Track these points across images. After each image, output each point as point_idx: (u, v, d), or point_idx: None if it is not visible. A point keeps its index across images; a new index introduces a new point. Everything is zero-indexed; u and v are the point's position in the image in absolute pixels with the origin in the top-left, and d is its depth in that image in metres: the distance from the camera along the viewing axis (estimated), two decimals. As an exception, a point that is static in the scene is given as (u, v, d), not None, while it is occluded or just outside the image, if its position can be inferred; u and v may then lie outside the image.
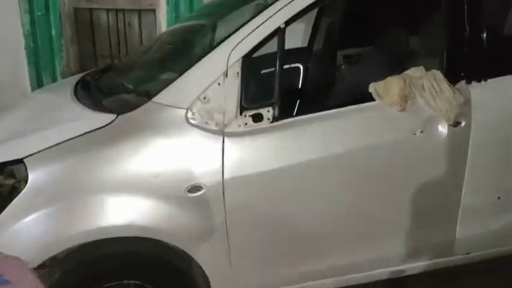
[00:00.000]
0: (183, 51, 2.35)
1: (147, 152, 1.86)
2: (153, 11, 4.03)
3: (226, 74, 1.92)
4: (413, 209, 2.15)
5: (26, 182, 1.83)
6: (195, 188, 1.89)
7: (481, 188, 2.22)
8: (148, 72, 2.28)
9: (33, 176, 1.79)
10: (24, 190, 1.79)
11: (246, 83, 1.93)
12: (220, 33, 2.31)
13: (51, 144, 1.84)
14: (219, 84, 1.91)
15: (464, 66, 2.17)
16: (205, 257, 1.97)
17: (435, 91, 2.10)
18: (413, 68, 2.14)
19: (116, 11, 4.00)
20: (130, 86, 2.09)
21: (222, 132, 1.91)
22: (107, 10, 4.00)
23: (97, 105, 2.04)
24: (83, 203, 1.81)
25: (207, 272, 1.99)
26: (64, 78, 3.60)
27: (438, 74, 2.13)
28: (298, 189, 1.99)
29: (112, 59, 3.96)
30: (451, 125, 2.11)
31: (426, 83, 2.11)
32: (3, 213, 1.79)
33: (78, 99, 2.19)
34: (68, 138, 1.85)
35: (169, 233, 1.90)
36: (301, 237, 2.05)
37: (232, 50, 1.92)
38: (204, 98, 1.90)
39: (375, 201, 2.08)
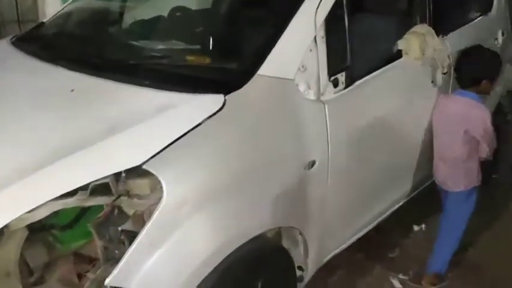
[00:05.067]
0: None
1: (274, 132, 1.67)
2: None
3: (315, 39, 1.81)
4: (426, 142, 2.50)
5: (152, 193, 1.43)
6: (310, 164, 1.79)
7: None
8: (192, 41, 1.91)
9: (168, 184, 1.39)
10: (162, 204, 1.38)
11: (328, 48, 1.87)
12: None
13: (169, 142, 1.44)
14: (311, 50, 1.81)
15: (440, 22, 2.55)
16: (310, 228, 1.90)
17: (436, 45, 2.44)
18: (418, 25, 2.41)
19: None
20: (205, 60, 1.75)
21: (322, 101, 1.83)
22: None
23: (177, 86, 1.64)
24: (228, 203, 1.52)
25: (308, 241, 1.93)
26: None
27: (432, 30, 2.46)
28: (377, 144, 2.12)
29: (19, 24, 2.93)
30: (444, 73, 2.50)
31: (428, 38, 2.42)
32: (138, 241, 1.36)
33: (121, 81, 1.71)
34: (187, 130, 1.48)
35: (294, 215, 1.78)
36: (376, 184, 2.21)
37: (316, 13, 1.82)
38: (302, 66, 1.77)
39: (411, 138, 2.39)
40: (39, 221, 1.45)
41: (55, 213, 1.46)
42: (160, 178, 1.39)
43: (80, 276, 1.62)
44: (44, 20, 2.54)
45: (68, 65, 1.86)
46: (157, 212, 1.38)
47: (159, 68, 1.79)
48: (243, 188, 1.57)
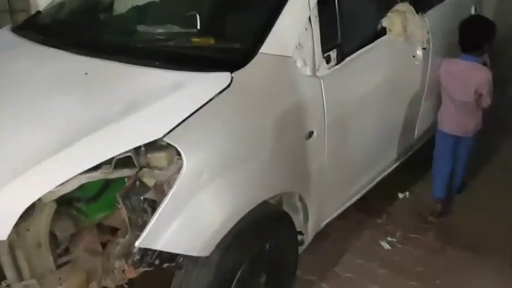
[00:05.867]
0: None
1: (276, 105, 1.81)
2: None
3: (310, 19, 1.95)
4: (408, 114, 2.73)
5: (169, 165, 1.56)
6: (309, 134, 1.94)
7: (432, 94, 2.90)
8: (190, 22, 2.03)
9: (187, 155, 1.53)
10: (182, 173, 1.52)
11: (322, 26, 2.01)
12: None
13: (185, 116, 1.57)
14: (306, 29, 1.94)
15: (419, 1, 2.71)
16: (310, 194, 2.06)
17: (415, 22, 2.60)
18: (399, 4, 2.57)
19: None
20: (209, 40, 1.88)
21: (317, 77, 1.98)
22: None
23: (187, 66, 1.77)
24: (238, 171, 1.66)
25: (308, 206, 2.08)
26: None
27: (412, 8, 2.62)
28: (368, 115, 2.30)
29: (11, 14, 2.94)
30: (424, 48, 2.68)
31: (409, 15, 2.58)
32: (163, 207, 1.49)
33: (133, 63, 1.82)
34: (200, 105, 1.61)
35: (296, 181, 1.94)
36: (368, 152, 2.38)
37: None
38: (299, 44, 1.91)
39: (398, 108, 2.60)
40: (67, 195, 1.56)
41: (80, 188, 1.58)
42: (180, 149, 1.52)
43: (103, 245, 1.75)
44: (40, 9, 2.60)
45: (77, 50, 1.95)
46: (179, 179, 1.51)
47: (168, 50, 1.90)
48: (251, 157, 1.71)
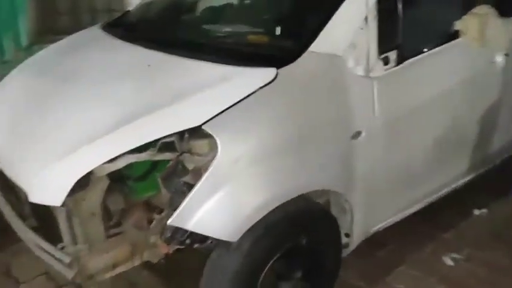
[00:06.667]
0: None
1: (320, 102, 1.84)
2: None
3: (366, 19, 1.94)
4: (484, 124, 2.54)
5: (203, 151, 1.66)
6: (356, 134, 1.93)
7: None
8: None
9: (222, 143, 1.62)
10: (216, 159, 1.61)
11: (380, 26, 1.98)
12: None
13: (224, 107, 1.67)
14: (362, 29, 1.93)
15: (503, 4, 2.53)
16: (355, 195, 2.02)
17: (497, 26, 2.43)
18: (479, 6, 2.42)
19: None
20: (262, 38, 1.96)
21: (370, 77, 1.96)
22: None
23: (236, 60, 1.86)
24: (275, 163, 1.71)
25: (353, 207, 2.05)
26: (30, 40, 2.96)
27: (493, 11, 2.46)
28: (429, 122, 2.21)
29: (75, 17, 3.37)
30: (506, 54, 2.49)
31: (489, 19, 2.42)
32: (195, 190, 1.60)
33: (189, 57, 1.96)
34: (242, 97, 1.69)
35: (339, 180, 1.93)
36: (426, 162, 2.27)
37: None
38: (352, 43, 1.91)
39: (468, 118, 2.45)
40: (118, 172, 1.74)
41: (130, 166, 1.75)
42: (216, 137, 1.62)
43: (150, 222, 1.90)
44: (129, 9, 2.89)
45: (146, 44, 2.15)
46: (212, 166, 1.61)
47: (222, 46, 2.04)
48: (290, 150, 1.75)
